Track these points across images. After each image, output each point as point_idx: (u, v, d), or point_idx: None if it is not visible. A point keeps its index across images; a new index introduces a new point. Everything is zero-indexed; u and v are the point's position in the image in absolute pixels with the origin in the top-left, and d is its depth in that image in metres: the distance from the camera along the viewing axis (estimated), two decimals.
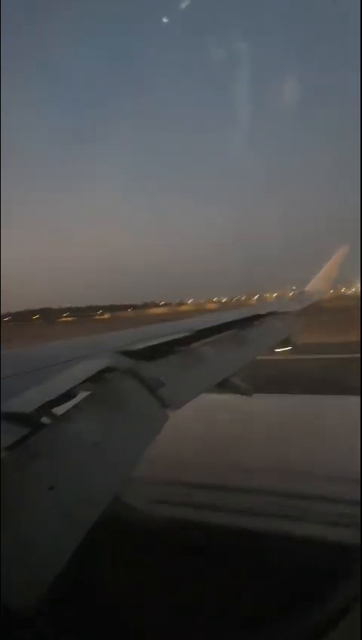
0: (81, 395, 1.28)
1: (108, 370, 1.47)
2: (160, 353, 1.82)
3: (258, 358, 2.55)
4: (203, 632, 1.59)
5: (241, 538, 2.23)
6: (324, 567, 1.77)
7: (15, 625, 0.59)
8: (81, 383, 1.34)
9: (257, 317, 3.30)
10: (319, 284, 5.65)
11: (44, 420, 1.09)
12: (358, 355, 8.02)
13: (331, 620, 0.55)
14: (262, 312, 3.50)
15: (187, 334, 2.09)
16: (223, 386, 2.03)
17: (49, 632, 0.55)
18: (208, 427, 3.40)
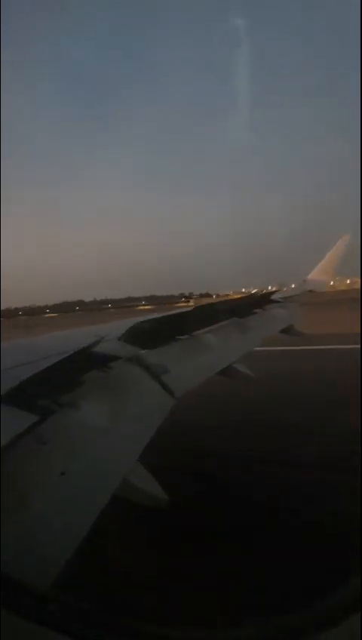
0: (88, 382, 1.29)
1: (113, 358, 1.48)
2: (163, 341, 1.83)
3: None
4: (209, 612, 1.65)
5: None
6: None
7: (32, 602, 0.61)
8: (87, 372, 1.35)
9: (258, 305, 3.30)
10: (320, 274, 5.61)
11: (53, 407, 1.10)
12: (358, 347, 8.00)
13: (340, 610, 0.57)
14: (263, 300, 3.49)
15: (190, 321, 2.10)
16: (226, 372, 2.05)
17: (62, 611, 0.57)
18: None
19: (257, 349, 2.50)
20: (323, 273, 5.63)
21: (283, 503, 2.51)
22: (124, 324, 1.88)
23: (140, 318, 1.87)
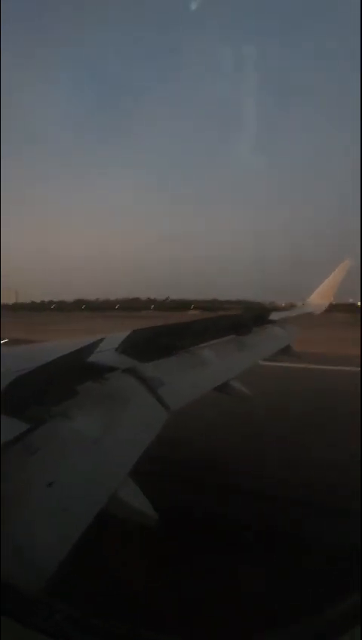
0: (83, 393, 1.27)
1: (109, 369, 1.47)
2: (161, 354, 1.82)
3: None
4: (201, 628, 1.59)
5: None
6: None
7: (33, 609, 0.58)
8: (82, 382, 1.33)
9: (256, 323, 3.31)
10: (319, 298, 5.70)
11: (45, 416, 1.08)
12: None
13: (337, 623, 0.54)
14: (261, 319, 3.50)
15: (189, 335, 2.09)
16: (223, 389, 2.03)
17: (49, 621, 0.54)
18: None
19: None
20: (323, 297, 5.70)
21: None
22: (121, 334, 1.87)
23: (139, 330, 1.86)
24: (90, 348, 1.40)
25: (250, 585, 1.97)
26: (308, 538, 2.39)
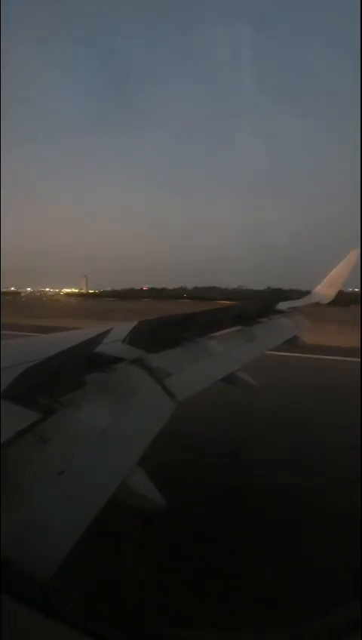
0: (91, 383, 1.29)
1: (117, 360, 1.48)
2: (168, 344, 1.83)
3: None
4: (202, 617, 1.63)
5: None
6: None
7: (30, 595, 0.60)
8: (90, 372, 1.35)
9: (264, 313, 3.28)
10: (327, 287, 5.59)
11: (55, 406, 1.10)
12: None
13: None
14: (269, 309, 3.48)
15: (195, 326, 2.09)
16: (230, 380, 2.04)
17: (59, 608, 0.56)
18: None
19: None
20: (330, 286, 5.60)
21: None
22: (127, 325, 1.88)
23: (144, 320, 1.87)
24: (98, 339, 1.41)
25: None
26: None
